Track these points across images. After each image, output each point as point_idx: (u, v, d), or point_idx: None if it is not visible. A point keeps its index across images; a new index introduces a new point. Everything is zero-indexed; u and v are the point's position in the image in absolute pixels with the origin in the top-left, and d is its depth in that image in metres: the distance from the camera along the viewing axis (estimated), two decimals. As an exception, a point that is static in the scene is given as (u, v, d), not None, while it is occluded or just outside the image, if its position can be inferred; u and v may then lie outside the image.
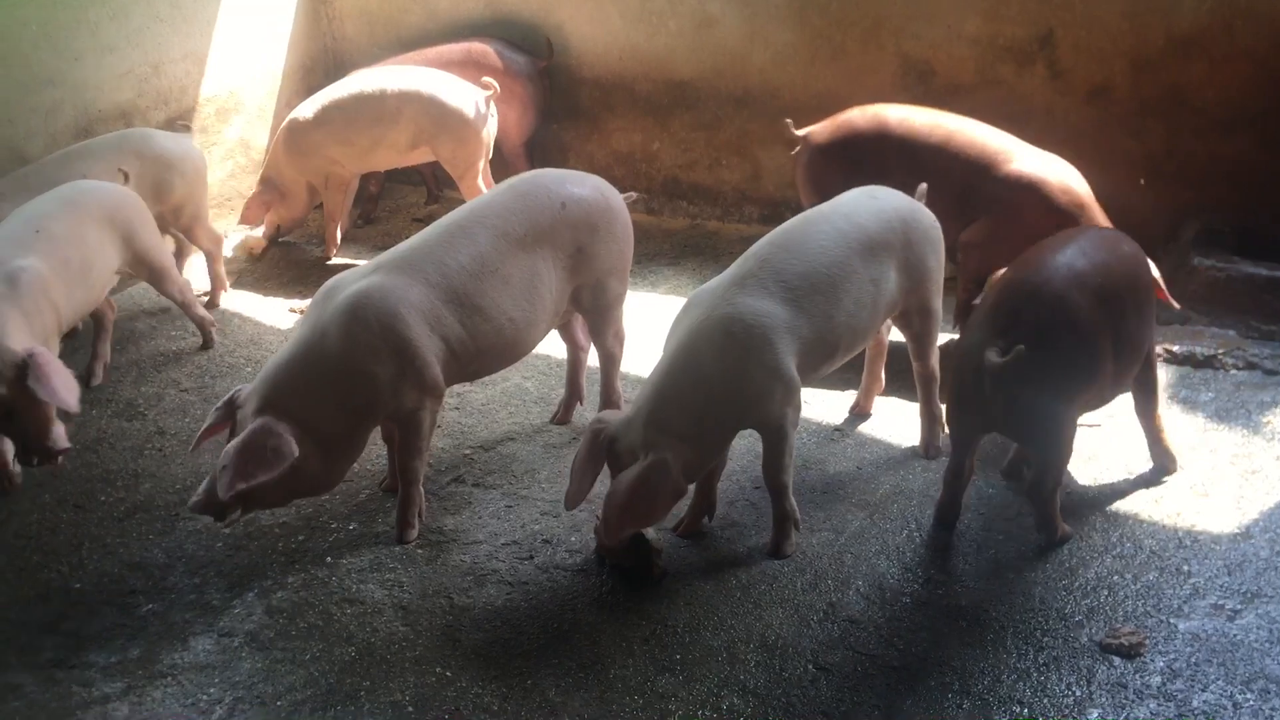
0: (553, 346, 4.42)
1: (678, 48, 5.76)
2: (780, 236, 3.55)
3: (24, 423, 3.55)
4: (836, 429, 4.13)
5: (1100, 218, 4.20)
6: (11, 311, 3.61)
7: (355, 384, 3.39)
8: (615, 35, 5.89)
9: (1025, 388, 3.20)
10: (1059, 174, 4.24)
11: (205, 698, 3.00)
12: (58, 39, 5.12)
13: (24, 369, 3.47)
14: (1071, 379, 3.27)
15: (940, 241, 3.76)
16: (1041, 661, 3.01)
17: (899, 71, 5.26)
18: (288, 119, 5.58)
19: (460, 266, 3.55)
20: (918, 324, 3.78)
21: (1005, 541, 3.49)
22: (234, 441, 3.27)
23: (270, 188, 5.69)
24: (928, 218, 3.75)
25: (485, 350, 3.63)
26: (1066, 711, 2.85)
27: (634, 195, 4.10)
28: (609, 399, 4.14)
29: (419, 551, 3.57)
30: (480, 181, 5.46)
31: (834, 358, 3.54)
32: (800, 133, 4.65)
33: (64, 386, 3.54)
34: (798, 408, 3.39)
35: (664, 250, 5.69)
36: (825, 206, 3.71)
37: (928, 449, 3.93)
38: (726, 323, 3.29)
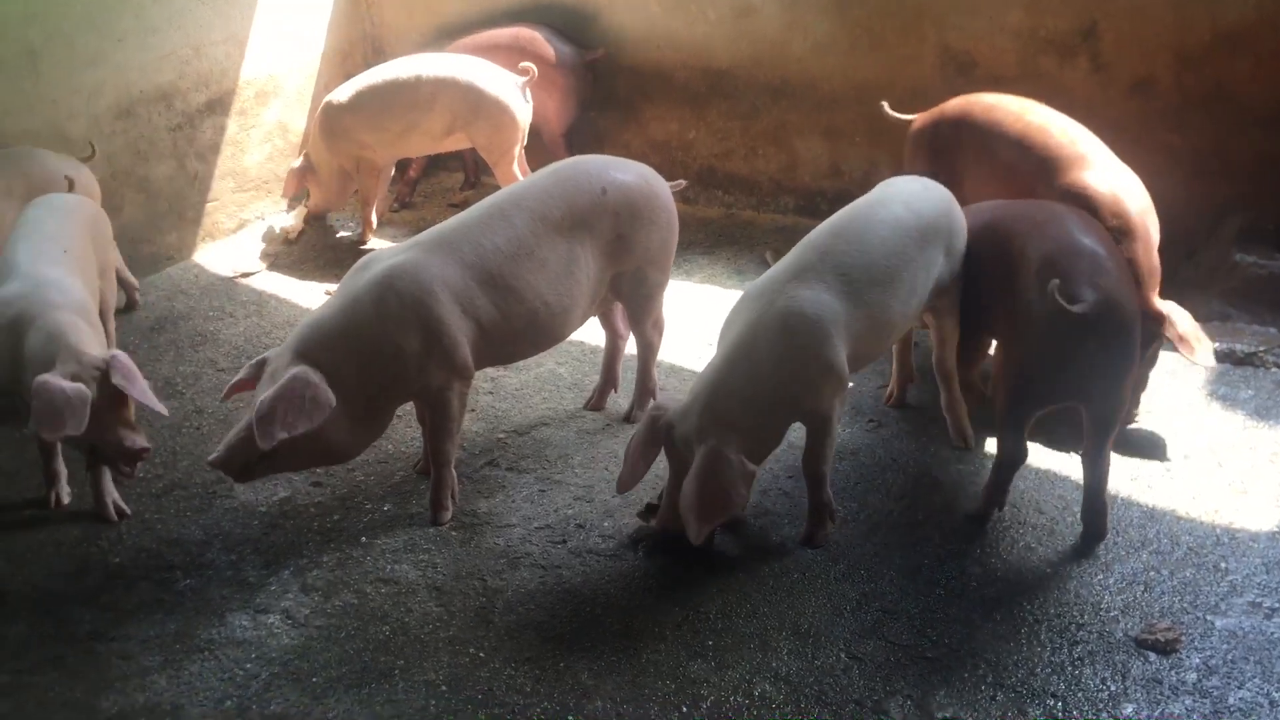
0: (586, 333, 4.43)
1: (716, 36, 5.75)
2: (840, 226, 3.53)
3: (106, 425, 3.41)
4: (871, 420, 4.12)
5: (1141, 248, 3.80)
6: (84, 326, 3.55)
7: (382, 356, 3.40)
8: (654, 23, 5.88)
9: (1120, 337, 3.25)
10: (1113, 191, 3.85)
11: (241, 673, 3.03)
12: (102, 20, 5.17)
13: (108, 370, 3.40)
14: (1137, 331, 3.34)
15: None
16: (1076, 655, 2.99)
17: (939, 63, 5.23)
18: (323, 101, 5.61)
19: (496, 248, 3.55)
20: (946, 309, 3.77)
21: (1039, 535, 3.47)
22: (270, 391, 3.25)
23: (309, 164, 5.74)
24: (960, 209, 3.75)
25: (519, 333, 3.64)
26: (1101, 706, 2.84)
27: (683, 183, 4.09)
28: (644, 387, 4.14)
29: (453, 533, 3.58)
30: (515, 167, 5.46)
31: (882, 345, 3.55)
32: (906, 117, 4.57)
33: (147, 389, 3.50)
34: (844, 400, 3.39)
35: (699, 239, 5.68)
36: (881, 194, 3.70)
37: (964, 438, 3.93)
38: (786, 316, 3.27)
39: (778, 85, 5.68)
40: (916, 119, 4.54)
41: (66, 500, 3.75)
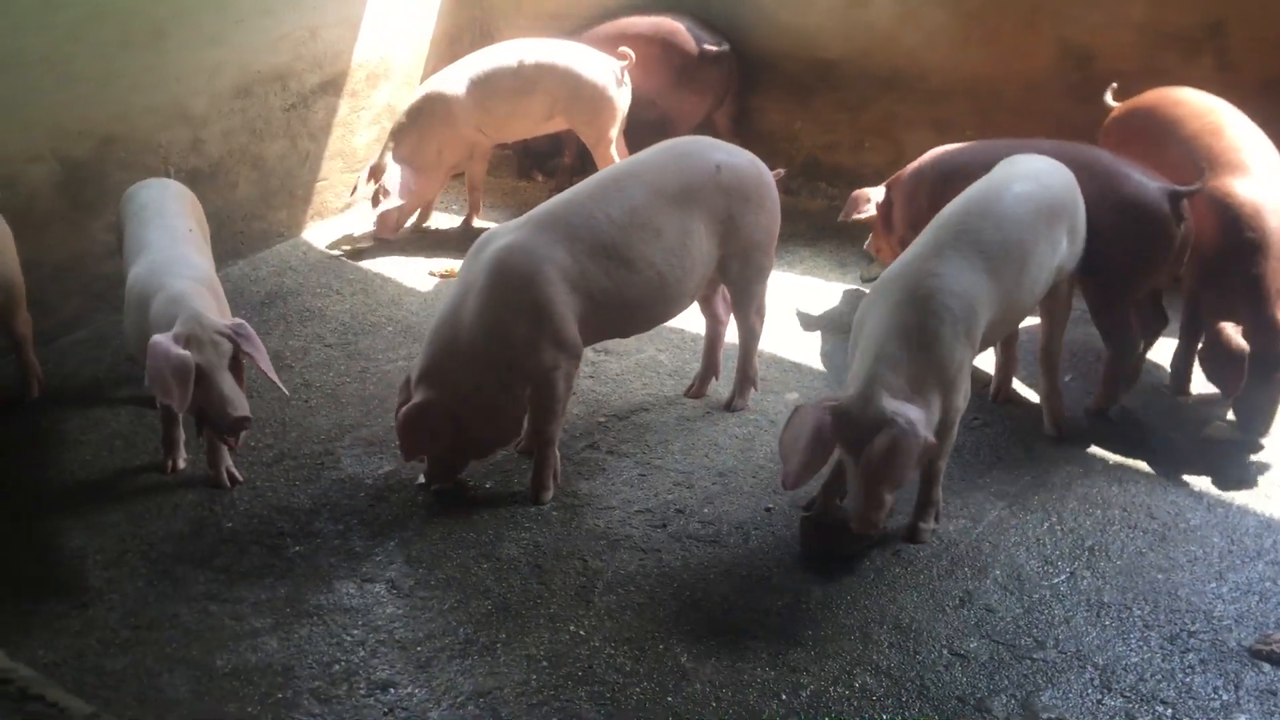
0: (687, 320, 4.43)
1: (826, 27, 5.70)
2: (972, 203, 3.48)
3: (211, 389, 3.42)
4: (975, 417, 4.06)
5: (1273, 266, 3.69)
6: (207, 294, 3.65)
7: (494, 344, 3.46)
8: (763, 12, 5.85)
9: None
10: (1255, 203, 3.74)
11: (349, 638, 3.10)
12: (224, 1, 5.29)
13: (232, 336, 3.48)
14: None
15: None
16: (1188, 663, 2.93)
17: (1056, 56, 5.11)
18: (430, 95, 5.54)
19: (610, 219, 3.58)
20: (1062, 295, 3.72)
21: (1150, 540, 3.40)
22: (399, 417, 3.52)
23: (405, 173, 5.51)
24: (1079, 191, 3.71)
25: (633, 303, 3.66)
26: (1212, 715, 2.77)
27: (782, 171, 4.09)
28: (745, 374, 4.14)
29: (554, 513, 3.62)
30: (614, 150, 5.51)
31: (1009, 327, 3.56)
32: (1114, 103, 4.48)
33: (269, 363, 3.62)
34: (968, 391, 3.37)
35: (801, 231, 5.63)
36: (1008, 170, 3.65)
37: (1059, 429, 3.89)
38: (932, 296, 3.21)
39: (887, 77, 5.62)
40: (1115, 108, 4.45)
41: (183, 466, 3.87)
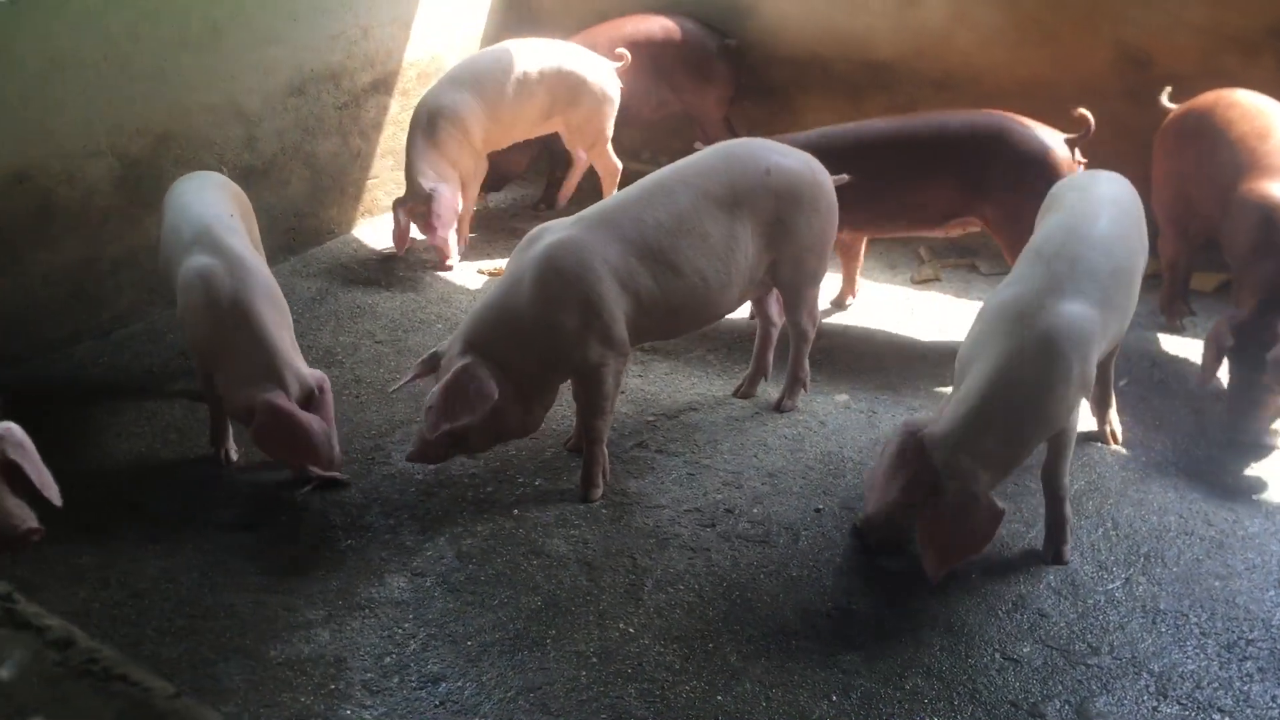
0: (736, 321, 4.43)
1: (878, 27, 5.67)
2: (1082, 233, 3.32)
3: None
4: (1028, 421, 4.03)
5: None
6: (284, 324, 3.73)
7: (543, 332, 3.47)
8: (814, 12, 5.83)
9: None
10: None
11: (400, 631, 3.12)
12: (280, 0, 5.35)
13: (314, 392, 3.64)
14: None
15: None
16: (1245, 671, 2.89)
17: (1114, 58, 5.06)
18: (438, 109, 5.34)
19: (657, 223, 3.58)
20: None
21: (1208, 547, 3.36)
22: (439, 384, 3.43)
23: (445, 193, 5.28)
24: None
25: (677, 307, 3.65)
26: (1272, 726, 2.73)
27: (846, 177, 4.04)
28: (795, 376, 4.13)
29: (603, 511, 3.63)
30: (610, 148, 5.61)
31: None
32: (1170, 105, 4.45)
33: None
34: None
35: (850, 232, 5.61)
36: (1086, 192, 3.56)
37: (1114, 436, 3.87)
38: (1053, 339, 3.06)
39: (940, 78, 5.58)
40: (1172, 109, 4.41)
41: (235, 458, 3.91)
